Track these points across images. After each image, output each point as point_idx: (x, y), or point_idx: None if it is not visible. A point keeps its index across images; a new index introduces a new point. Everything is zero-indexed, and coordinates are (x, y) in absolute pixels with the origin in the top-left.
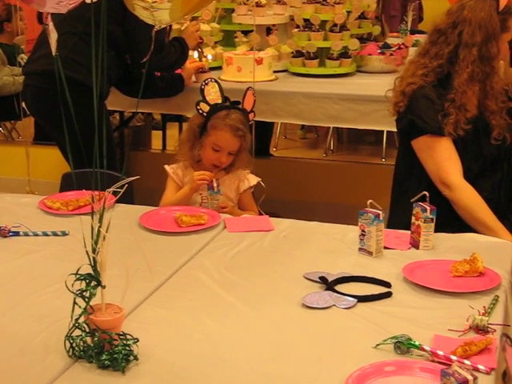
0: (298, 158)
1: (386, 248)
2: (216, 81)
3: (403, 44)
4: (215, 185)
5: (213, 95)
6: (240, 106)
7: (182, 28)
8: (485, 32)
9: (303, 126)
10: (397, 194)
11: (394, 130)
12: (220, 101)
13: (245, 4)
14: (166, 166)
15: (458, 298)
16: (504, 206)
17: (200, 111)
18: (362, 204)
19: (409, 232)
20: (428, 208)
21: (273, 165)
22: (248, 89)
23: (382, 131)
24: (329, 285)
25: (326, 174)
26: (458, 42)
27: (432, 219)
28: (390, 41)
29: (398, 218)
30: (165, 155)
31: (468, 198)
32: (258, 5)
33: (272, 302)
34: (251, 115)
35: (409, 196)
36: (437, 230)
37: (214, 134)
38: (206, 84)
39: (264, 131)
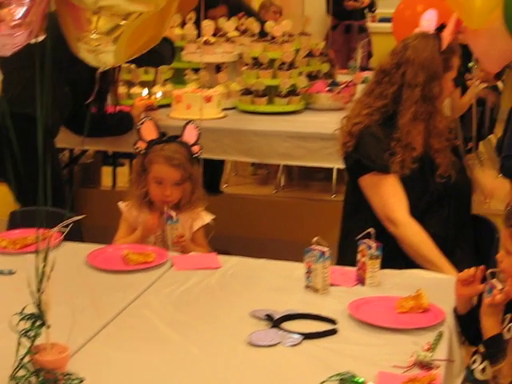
0: (248, 194)
1: (332, 285)
2: (151, 119)
3: (351, 82)
4: (173, 214)
5: (149, 133)
6: (179, 140)
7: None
8: (427, 72)
9: (254, 162)
10: (345, 231)
11: (343, 167)
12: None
13: (194, 42)
14: (121, 204)
15: (403, 334)
16: (451, 242)
17: (138, 150)
18: (312, 241)
19: (355, 269)
20: (373, 245)
21: (223, 202)
22: (188, 122)
23: (332, 167)
24: (275, 322)
25: (276, 211)
26: (402, 82)
27: (377, 256)
28: (339, 78)
29: (347, 255)
30: (115, 192)
31: (413, 234)
32: (206, 43)
33: (218, 341)
34: (196, 148)
35: (356, 232)
36: (384, 267)
37: (153, 169)
38: (142, 123)
39: (214, 168)
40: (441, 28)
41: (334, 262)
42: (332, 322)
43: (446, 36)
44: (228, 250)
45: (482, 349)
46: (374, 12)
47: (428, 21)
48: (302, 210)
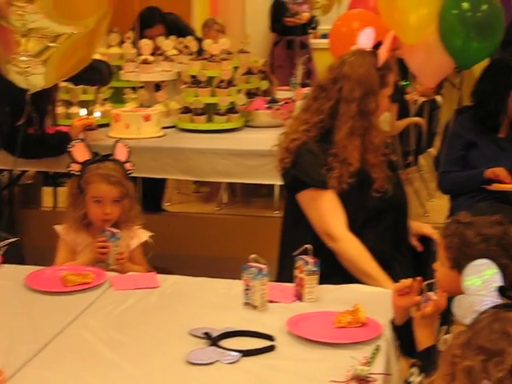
0: (190, 212)
1: (270, 301)
2: (82, 140)
3: (290, 98)
4: (116, 231)
5: (81, 155)
6: (112, 158)
7: None
8: (364, 88)
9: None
10: (284, 247)
11: (281, 183)
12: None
13: (132, 61)
14: (58, 227)
15: (341, 348)
16: (389, 256)
17: (72, 172)
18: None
19: (294, 285)
20: (310, 261)
21: (166, 220)
22: (117, 141)
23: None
24: (213, 340)
25: (218, 228)
26: (339, 97)
27: (315, 272)
28: (280, 94)
29: (286, 271)
30: (56, 213)
31: (352, 248)
32: (145, 62)
33: (156, 360)
34: (128, 165)
35: (295, 248)
36: (323, 282)
37: (90, 188)
38: (73, 146)
39: (156, 186)
40: (377, 46)
41: (274, 278)
42: (270, 338)
43: (383, 53)
44: (170, 268)
45: (418, 361)
46: (314, 29)
47: (365, 39)
48: (245, 227)
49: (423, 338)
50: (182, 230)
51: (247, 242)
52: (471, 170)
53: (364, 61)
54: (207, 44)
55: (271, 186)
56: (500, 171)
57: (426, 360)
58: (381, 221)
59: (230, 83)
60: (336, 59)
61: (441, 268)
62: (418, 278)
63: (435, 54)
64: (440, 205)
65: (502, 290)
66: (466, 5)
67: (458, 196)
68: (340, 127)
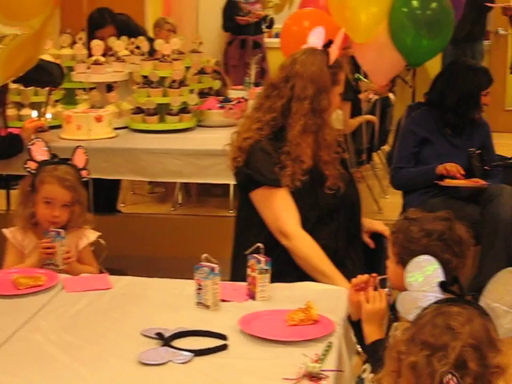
0: (145, 213)
1: (223, 301)
2: (42, 140)
3: (243, 98)
4: (60, 230)
5: (40, 154)
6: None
7: None
8: (316, 85)
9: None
10: (237, 246)
11: (234, 182)
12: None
13: (84, 62)
14: (5, 230)
15: (293, 346)
16: (342, 254)
17: (28, 169)
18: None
19: (246, 284)
20: (262, 259)
21: (120, 221)
22: (78, 147)
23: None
24: (166, 340)
25: (173, 229)
26: (291, 95)
27: (267, 270)
28: (234, 94)
29: (240, 270)
30: (9, 216)
31: (305, 246)
32: (96, 63)
33: (109, 361)
34: (84, 172)
35: (249, 247)
36: (277, 280)
37: (43, 188)
38: (33, 144)
39: (110, 187)
40: (328, 44)
41: (228, 278)
42: (223, 337)
43: (334, 51)
44: (125, 270)
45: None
46: (270, 28)
47: (316, 38)
48: (200, 227)
49: (371, 332)
50: (136, 231)
51: (202, 242)
52: (423, 166)
53: (315, 59)
54: (158, 44)
55: (226, 186)
56: (451, 166)
57: (372, 354)
58: (334, 218)
59: (181, 83)
60: (287, 58)
61: (390, 264)
62: (374, 274)
63: (386, 52)
64: (394, 202)
65: (443, 285)
66: (415, 3)
67: (410, 192)
68: (292, 125)
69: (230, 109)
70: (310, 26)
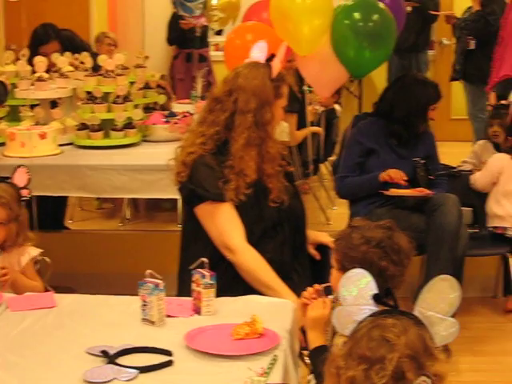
0: (93, 229)
1: (169, 316)
2: None
3: (188, 112)
4: None
5: None
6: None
7: None
8: (259, 99)
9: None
10: (183, 261)
11: (179, 197)
12: None
13: (27, 79)
14: None
15: (239, 360)
16: (288, 267)
17: None
18: (157, 272)
19: (192, 299)
20: (207, 274)
21: (68, 238)
22: (19, 166)
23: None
24: (110, 358)
25: (122, 244)
26: (234, 109)
27: (212, 285)
28: (179, 108)
29: (186, 285)
30: None
31: (250, 260)
32: (40, 79)
33: (53, 380)
34: (25, 192)
35: (195, 262)
36: (223, 294)
37: None
38: None
39: (57, 204)
40: (271, 58)
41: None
42: (168, 353)
43: (276, 65)
44: (74, 287)
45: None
46: (220, 34)
47: (258, 51)
48: (148, 242)
49: (314, 339)
50: (84, 247)
51: (151, 257)
52: (367, 175)
53: (258, 72)
54: (102, 59)
55: (175, 200)
56: (394, 173)
57: (314, 359)
58: (279, 232)
59: (126, 98)
60: (230, 71)
61: (333, 271)
62: (316, 285)
63: (329, 65)
64: (341, 212)
65: (377, 298)
66: (357, 15)
67: (356, 203)
68: (236, 138)
69: (175, 123)
70: (253, 39)
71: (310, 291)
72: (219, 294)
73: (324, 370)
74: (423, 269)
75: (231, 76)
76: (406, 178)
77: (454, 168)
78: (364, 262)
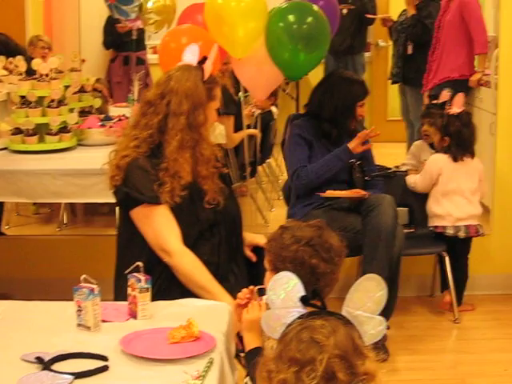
0: (31, 234)
1: (104, 321)
2: None
3: (124, 115)
4: None
5: None
6: None
7: None
8: (191, 101)
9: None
10: (120, 265)
11: (114, 201)
12: None
13: None
14: None
15: (175, 364)
16: (224, 269)
17: None
18: (95, 277)
19: (127, 303)
20: (142, 278)
21: (4, 243)
22: None
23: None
24: (45, 364)
25: (59, 250)
26: (167, 111)
27: (147, 289)
28: (115, 111)
29: (123, 289)
30: None
31: (187, 263)
32: None
33: None
34: None
35: (131, 266)
36: (161, 298)
37: None
38: None
39: None
40: (203, 61)
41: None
42: (104, 358)
43: (208, 67)
44: (11, 293)
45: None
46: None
47: (190, 54)
48: (86, 247)
49: (250, 341)
50: (21, 253)
51: (89, 262)
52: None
53: (190, 75)
54: (36, 63)
55: (112, 204)
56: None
57: (249, 361)
58: (215, 234)
59: (60, 102)
60: (162, 75)
61: (266, 273)
62: (251, 286)
63: (264, 67)
64: (280, 214)
65: (304, 300)
66: (291, 17)
67: (293, 204)
68: (169, 141)
69: (111, 127)
70: (188, 42)
71: (244, 292)
72: (157, 297)
73: (255, 374)
74: (360, 269)
75: (163, 79)
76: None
77: (390, 169)
78: (295, 261)
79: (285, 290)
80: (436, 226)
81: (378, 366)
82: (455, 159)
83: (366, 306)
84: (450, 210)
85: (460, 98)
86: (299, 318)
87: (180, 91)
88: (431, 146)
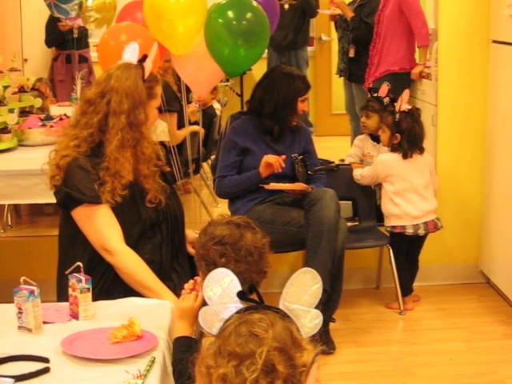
0: None
1: (46, 323)
2: None
3: (65, 114)
4: None
5: None
6: None
7: None
8: (132, 100)
9: None
10: (62, 266)
11: (55, 201)
12: None
13: None
14: None
15: (116, 364)
16: (167, 267)
17: None
18: (40, 278)
19: (69, 304)
20: (83, 278)
21: None
22: None
23: None
24: None
25: (3, 251)
26: (107, 110)
27: (88, 289)
28: (57, 111)
29: (65, 290)
30: None
31: (129, 262)
32: None
33: None
34: None
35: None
36: (104, 298)
37: None
38: None
39: None
40: (143, 59)
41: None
42: (45, 360)
43: (148, 65)
44: None
45: None
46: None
47: (130, 53)
48: (31, 248)
49: (180, 328)
50: None
51: (34, 263)
52: (246, 172)
53: (130, 73)
54: None
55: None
56: (268, 158)
57: (175, 348)
58: (157, 232)
59: (0, 103)
60: (102, 73)
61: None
62: (196, 277)
63: (204, 63)
64: (226, 210)
65: (241, 295)
66: (231, 13)
67: (236, 200)
68: (110, 140)
69: (52, 126)
70: (127, 39)
71: (189, 283)
72: (100, 297)
73: (195, 370)
74: (304, 263)
75: (103, 78)
76: (283, 165)
77: (332, 163)
78: (207, 260)
79: (221, 285)
80: (394, 226)
81: (317, 358)
82: (405, 156)
83: (302, 299)
84: (406, 209)
85: (407, 94)
86: (237, 312)
87: (120, 90)
88: (372, 137)
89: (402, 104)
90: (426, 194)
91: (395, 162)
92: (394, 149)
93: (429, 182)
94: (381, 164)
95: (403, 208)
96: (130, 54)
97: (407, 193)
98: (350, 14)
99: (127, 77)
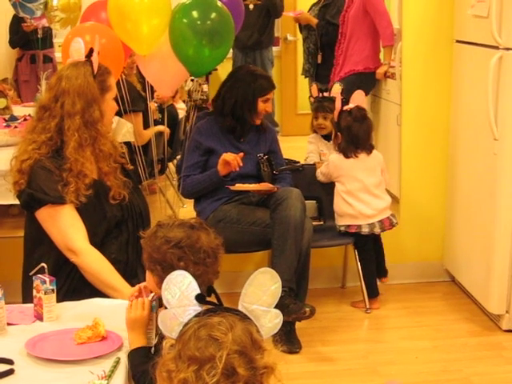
0: None
1: (10, 324)
2: None
3: (29, 115)
4: None
5: None
6: None
7: None
8: (84, 99)
9: None
10: (27, 267)
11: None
12: None
13: None
14: None
15: (81, 365)
16: (133, 266)
17: None
18: (4, 279)
19: (33, 305)
20: (47, 279)
21: None
22: None
23: None
24: None
25: None
26: (62, 113)
27: (52, 290)
28: (21, 111)
29: (30, 291)
30: None
31: (94, 262)
32: None
33: None
34: None
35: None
36: (70, 298)
37: None
38: None
39: None
40: (90, 53)
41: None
42: (9, 362)
43: (95, 59)
44: None
45: None
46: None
47: (75, 51)
48: None
49: (133, 340)
50: None
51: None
52: (208, 171)
53: (79, 72)
54: None
55: None
56: (227, 156)
57: (131, 361)
58: (122, 231)
59: None
60: (53, 76)
61: (147, 271)
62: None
63: (169, 63)
64: (192, 211)
65: (199, 298)
66: (195, 13)
67: (202, 200)
68: (68, 142)
69: (16, 127)
70: (92, 39)
71: (134, 289)
72: (66, 298)
73: (155, 374)
74: (270, 262)
75: (54, 81)
76: (240, 164)
77: (298, 162)
78: (164, 263)
79: (180, 288)
80: (349, 226)
81: (277, 358)
82: (346, 156)
83: (261, 299)
84: (360, 208)
85: (359, 94)
86: (196, 316)
87: (71, 91)
88: (324, 137)
89: (349, 103)
90: (377, 192)
91: (344, 163)
92: (338, 149)
93: (380, 181)
94: (332, 164)
95: (357, 208)
96: (76, 51)
97: (359, 193)
98: (314, 22)
99: (77, 76)
